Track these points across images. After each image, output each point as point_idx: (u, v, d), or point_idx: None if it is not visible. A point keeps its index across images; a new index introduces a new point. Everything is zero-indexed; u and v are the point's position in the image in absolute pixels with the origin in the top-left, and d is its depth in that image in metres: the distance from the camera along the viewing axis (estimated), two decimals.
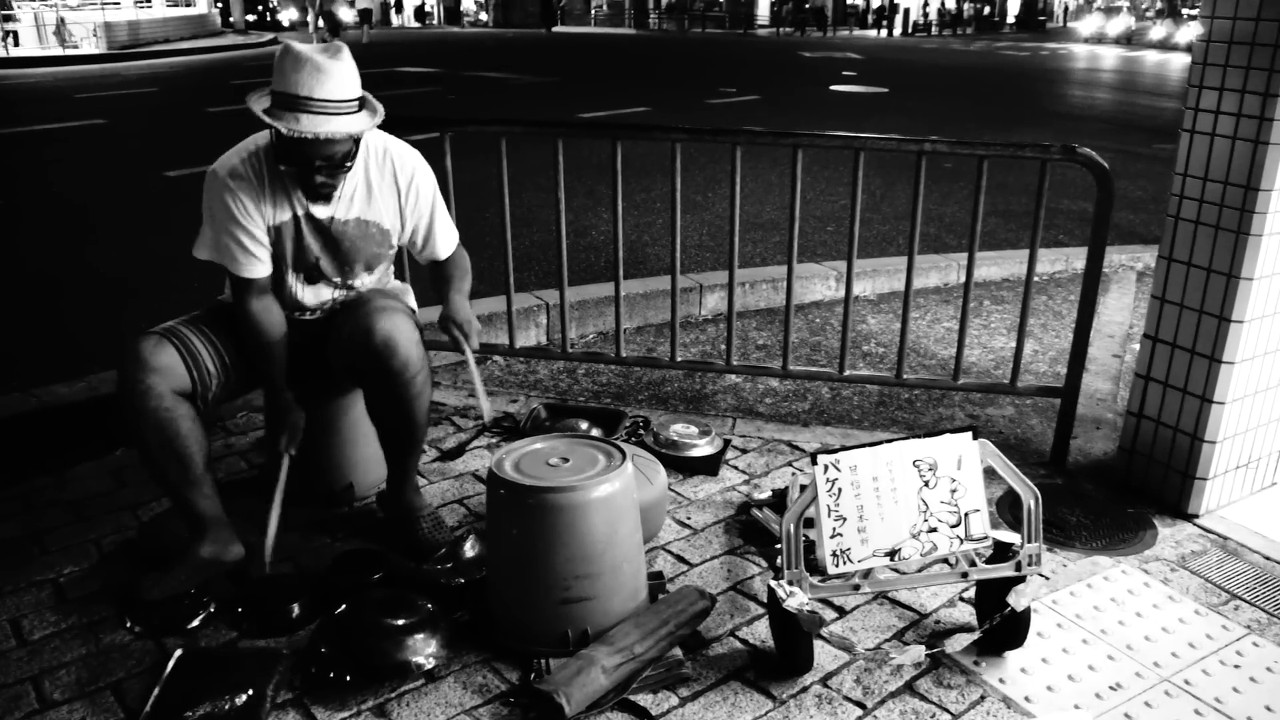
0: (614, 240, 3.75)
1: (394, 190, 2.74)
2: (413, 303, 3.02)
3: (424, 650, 2.28)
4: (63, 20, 23.39)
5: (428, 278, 2.99)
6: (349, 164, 2.56)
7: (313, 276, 2.74)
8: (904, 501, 2.25)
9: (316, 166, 2.50)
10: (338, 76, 2.46)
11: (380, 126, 2.81)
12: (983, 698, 2.25)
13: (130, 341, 2.50)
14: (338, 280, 2.77)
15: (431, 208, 2.83)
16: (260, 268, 2.63)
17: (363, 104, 2.55)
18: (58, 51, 22.77)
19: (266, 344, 2.66)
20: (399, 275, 3.17)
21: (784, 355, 3.72)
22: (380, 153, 2.72)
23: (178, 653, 2.29)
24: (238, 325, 2.66)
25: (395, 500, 2.83)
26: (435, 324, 2.81)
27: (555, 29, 41.46)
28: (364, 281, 2.82)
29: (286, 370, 2.72)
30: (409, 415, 2.67)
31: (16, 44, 23.10)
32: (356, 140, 2.56)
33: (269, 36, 30.64)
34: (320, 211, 2.65)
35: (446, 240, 2.91)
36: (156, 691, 2.17)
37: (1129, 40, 38.25)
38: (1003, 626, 2.31)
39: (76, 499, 3.06)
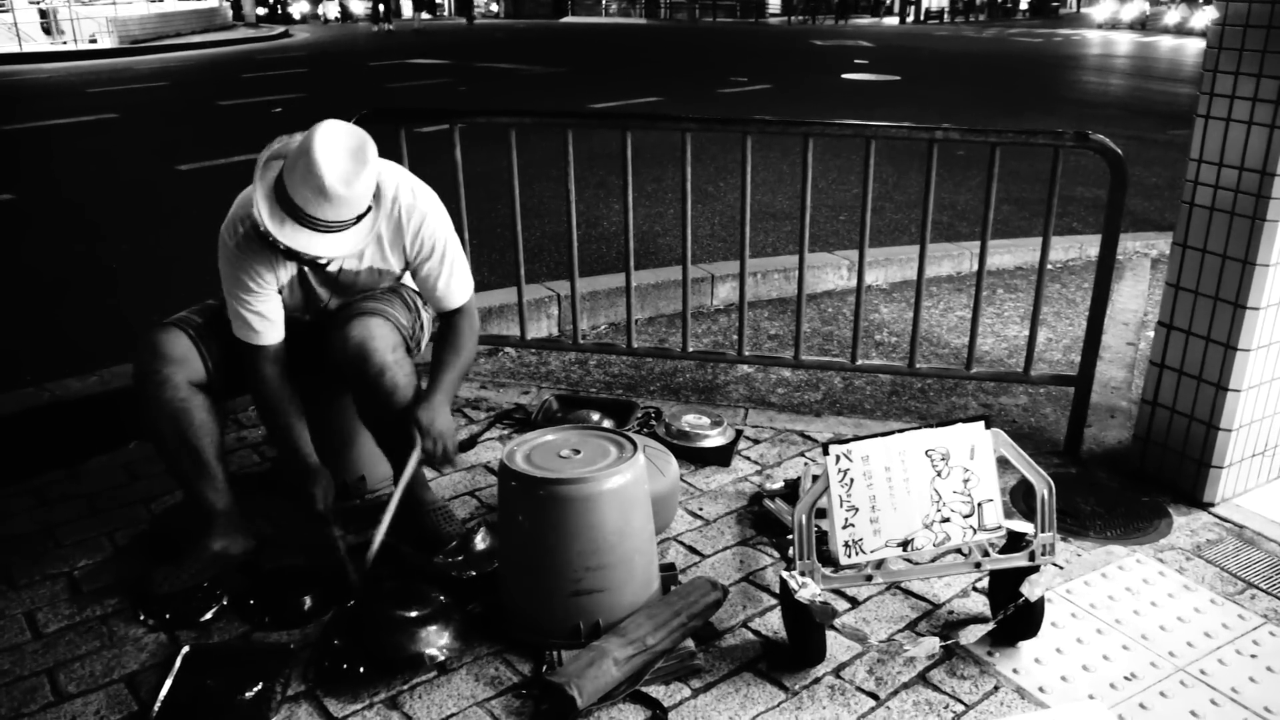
0: (625, 231, 3.74)
1: (399, 238, 2.63)
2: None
3: (436, 642, 2.29)
4: (93, 39, 23.78)
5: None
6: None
7: (322, 315, 2.74)
8: (917, 492, 2.24)
9: (305, 261, 2.46)
10: (345, 204, 2.33)
11: (392, 118, 2.79)
12: (996, 688, 2.24)
13: (146, 332, 2.51)
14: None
15: (442, 256, 2.68)
16: (274, 333, 2.59)
17: (363, 215, 2.41)
18: (70, 46, 22.89)
19: (282, 412, 2.61)
20: None
21: (796, 345, 3.70)
22: (391, 199, 2.56)
23: (185, 649, 2.30)
24: (251, 393, 2.61)
25: (404, 497, 2.82)
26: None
27: (565, 19, 41.42)
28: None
29: (294, 363, 2.71)
30: (394, 418, 2.63)
31: (64, 42, 23.52)
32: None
33: (280, 29, 30.66)
34: (330, 265, 2.61)
35: (459, 291, 2.77)
36: (167, 685, 2.18)
37: (1143, 25, 37.91)
38: (1016, 617, 2.29)
39: (89, 492, 3.07)
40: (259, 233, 2.39)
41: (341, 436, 2.99)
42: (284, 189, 2.32)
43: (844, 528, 2.22)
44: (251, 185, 2.39)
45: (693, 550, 2.78)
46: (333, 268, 2.63)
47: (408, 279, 2.94)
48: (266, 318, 2.57)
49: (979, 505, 2.26)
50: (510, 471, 2.34)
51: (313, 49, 23.69)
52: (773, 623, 2.45)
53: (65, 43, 23.56)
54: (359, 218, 2.39)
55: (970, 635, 2.29)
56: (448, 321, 2.79)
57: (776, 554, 2.75)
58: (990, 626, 2.31)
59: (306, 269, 2.61)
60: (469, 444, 3.37)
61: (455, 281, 2.74)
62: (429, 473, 3.03)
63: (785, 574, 2.24)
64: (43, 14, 23.80)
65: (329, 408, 2.94)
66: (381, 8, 31.65)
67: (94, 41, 23.72)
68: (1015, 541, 2.32)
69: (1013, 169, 7.55)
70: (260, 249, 2.48)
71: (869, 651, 2.33)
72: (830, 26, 37.77)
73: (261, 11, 37.43)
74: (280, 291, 2.60)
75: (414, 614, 2.32)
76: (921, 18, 43.19)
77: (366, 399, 2.63)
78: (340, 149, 2.29)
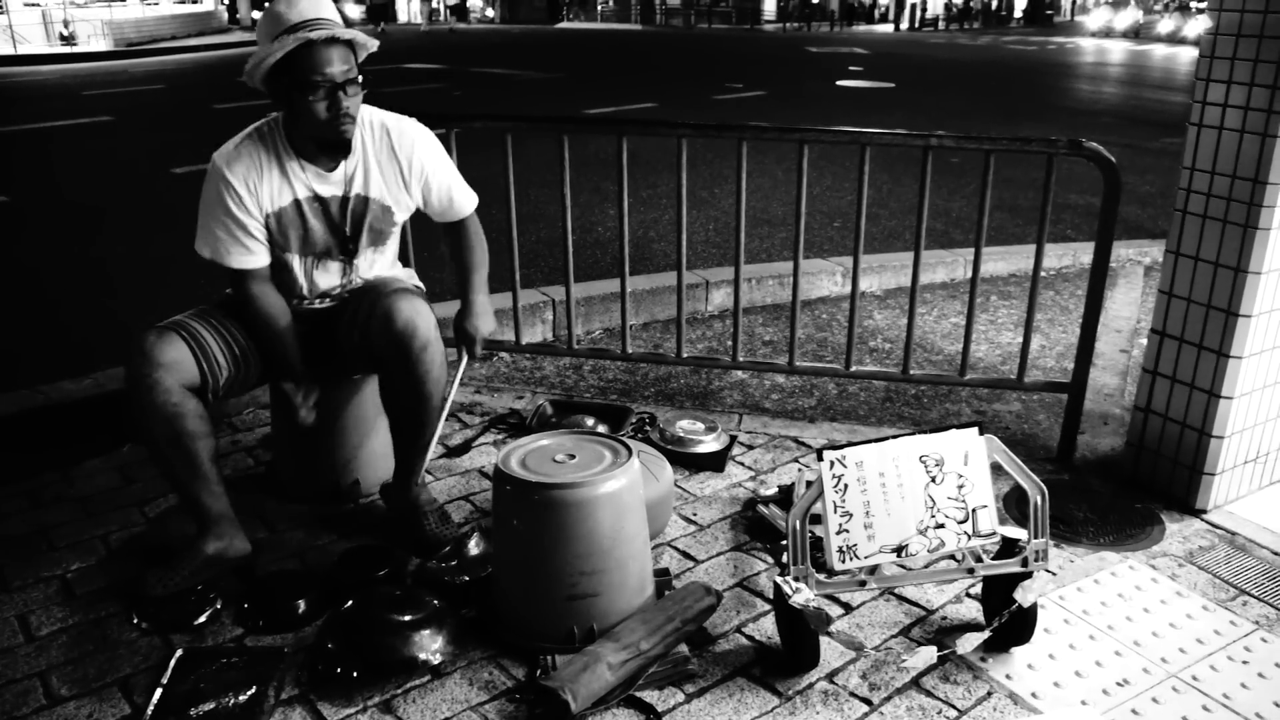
0: (620, 236, 3.74)
1: (394, 163, 2.73)
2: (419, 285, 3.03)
3: (430, 646, 2.29)
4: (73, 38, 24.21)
5: (445, 244, 3.00)
6: (363, 88, 2.56)
7: (319, 259, 2.74)
8: (911, 497, 2.24)
9: (340, 84, 2.49)
10: (332, 6, 2.55)
11: None
12: (989, 694, 2.24)
13: (138, 336, 2.50)
14: (343, 259, 2.77)
15: (445, 171, 2.84)
16: (253, 259, 2.64)
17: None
18: (65, 49, 22.92)
19: (274, 329, 2.67)
20: (402, 260, 3.16)
21: (790, 351, 3.71)
22: (377, 127, 2.72)
23: (179, 652, 2.30)
24: (243, 315, 2.66)
25: (401, 495, 2.83)
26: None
27: (560, 25, 41.55)
28: (369, 260, 2.82)
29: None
30: (425, 401, 2.67)
31: (75, 43, 23.69)
32: (361, 77, 2.57)
33: None
34: (324, 190, 2.66)
35: (464, 199, 2.92)
36: (161, 688, 2.18)
37: (1137, 34, 38.07)
38: (1009, 623, 2.30)
39: (84, 495, 3.06)
40: (251, 155, 2.59)
41: (339, 438, 2.99)
42: (282, 33, 2.46)
43: (838, 533, 2.23)
44: (247, 129, 2.64)
45: (687, 555, 2.79)
46: (327, 192, 2.66)
47: (397, 267, 2.96)
48: (245, 244, 2.61)
49: (973, 511, 2.26)
50: (505, 476, 2.34)
51: None
52: (766, 628, 2.45)
53: (71, 34, 23.70)
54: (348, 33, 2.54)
55: (967, 645, 2.28)
56: (463, 229, 2.96)
57: (770, 559, 2.76)
58: (986, 634, 2.31)
59: (302, 200, 2.64)
60: (463, 448, 3.37)
61: (462, 189, 2.92)
62: (426, 476, 3.03)
63: (779, 579, 2.25)
64: (66, 31, 24.01)
65: (328, 408, 2.93)
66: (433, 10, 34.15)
67: (72, 34, 23.94)
68: (1009, 547, 2.33)
69: (1007, 176, 7.58)
70: (250, 171, 2.58)
71: (863, 657, 2.34)
72: (825, 33, 37.84)
73: (257, 15, 37.47)
74: (269, 224, 2.63)
75: (408, 618, 2.32)
76: (916, 25, 43.32)
77: (402, 378, 2.65)
78: None
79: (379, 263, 2.86)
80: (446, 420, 3.54)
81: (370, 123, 2.71)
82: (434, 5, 37.03)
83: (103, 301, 5.22)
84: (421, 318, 2.61)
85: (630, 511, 2.37)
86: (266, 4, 2.56)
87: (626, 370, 4.27)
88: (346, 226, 2.72)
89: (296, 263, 2.73)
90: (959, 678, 2.29)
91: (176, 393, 2.47)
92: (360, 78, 2.56)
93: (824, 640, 2.29)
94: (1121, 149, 9.11)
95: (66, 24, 24.32)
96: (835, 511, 2.22)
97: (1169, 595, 2.61)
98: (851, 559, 2.24)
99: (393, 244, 2.90)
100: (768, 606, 2.53)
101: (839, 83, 17.21)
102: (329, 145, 2.61)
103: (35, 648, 2.38)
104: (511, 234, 3.79)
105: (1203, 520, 2.98)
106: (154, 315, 2.65)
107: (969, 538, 2.27)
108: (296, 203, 2.65)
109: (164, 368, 2.46)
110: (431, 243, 3.59)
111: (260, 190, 2.60)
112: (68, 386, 3.66)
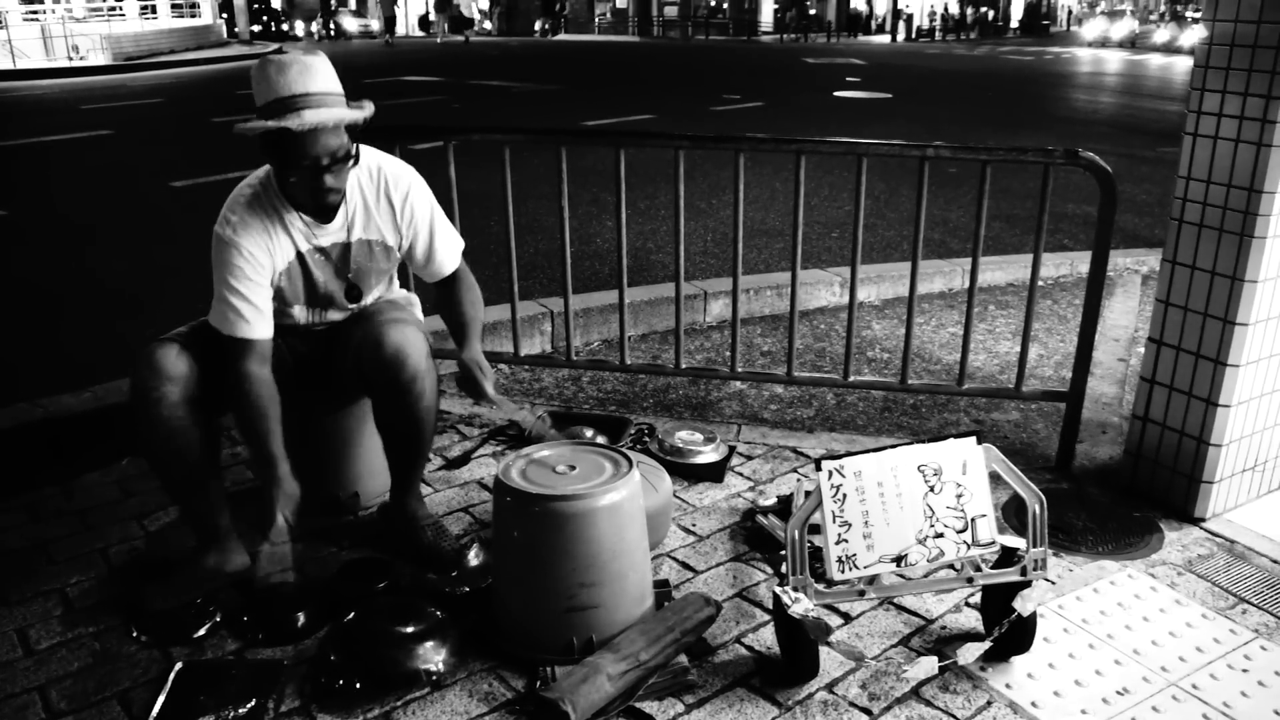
0: (618, 248, 3.75)
1: (389, 206, 2.70)
2: (419, 314, 3.02)
3: (432, 658, 2.29)
4: (83, 56, 24.40)
5: (435, 303, 2.97)
6: (352, 161, 2.52)
7: (324, 307, 2.74)
8: (910, 507, 2.25)
9: (324, 165, 2.44)
10: (324, 71, 2.47)
11: (385, 135, 2.81)
12: (989, 703, 2.24)
13: (144, 348, 2.49)
14: (348, 304, 2.77)
15: (430, 221, 2.79)
16: (264, 327, 2.54)
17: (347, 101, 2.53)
18: (68, 64, 23.00)
19: (263, 417, 2.48)
20: (403, 285, 3.17)
21: (789, 361, 3.71)
22: (374, 170, 2.69)
23: (178, 665, 2.30)
24: (231, 396, 2.52)
25: (398, 510, 2.83)
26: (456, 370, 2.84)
27: (555, 38, 41.75)
28: (373, 297, 2.83)
29: (293, 378, 2.71)
30: (417, 427, 2.67)
31: (82, 58, 23.80)
32: (355, 142, 2.53)
33: (274, 47, 30.52)
34: (324, 240, 2.64)
35: (451, 254, 2.88)
36: (160, 702, 2.18)
37: (1133, 44, 38.24)
38: (1009, 632, 2.30)
39: (83, 509, 3.06)
40: (254, 215, 2.52)
41: (338, 450, 3.00)
42: (273, 102, 2.41)
43: (837, 543, 2.23)
44: (240, 188, 2.56)
45: (686, 566, 2.79)
46: (327, 241, 2.63)
47: (397, 290, 2.96)
48: (257, 308, 2.52)
49: (972, 520, 2.27)
50: (505, 487, 2.35)
51: None
52: (766, 638, 2.45)
53: (83, 58, 23.83)
54: (343, 101, 2.50)
55: (966, 654, 2.28)
56: (456, 283, 2.90)
57: (769, 570, 2.76)
58: (985, 644, 2.30)
59: (304, 252, 2.61)
60: (462, 460, 3.37)
61: (450, 244, 2.87)
62: (424, 488, 3.03)
63: (778, 589, 2.25)
64: (78, 56, 24.15)
65: (328, 420, 2.94)
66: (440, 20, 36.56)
67: (83, 58, 24.02)
68: (1008, 557, 2.32)
69: (1004, 186, 7.60)
70: (255, 232, 2.52)
71: (863, 667, 2.33)
72: (822, 44, 37.95)
73: (255, 29, 37.57)
74: (278, 282, 2.59)
75: (410, 629, 2.32)
76: (913, 35, 43.45)
77: (392, 404, 2.64)
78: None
79: (380, 293, 2.87)
80: (445, 432, 3.56)
81: (366, 165, 2.67)
82: (459, 11, 38.72)
83: (101, 315, 5.22)
84: (411, 345, 2.59)
85: (631, 523, 2.37)
86: (261, 61, 2.48)
87: (625, 381, 4.28)
88: (350, 272, 2.71)
89: (301, 312, 2.71)
90: (959, 687, 2.29)
91: (182, 406, 2.46)
92: (351, 149, 2.50)
93: (823, 650, 2.28)
94: (1118, 158, 9.14)
95: (76, 48, 24.42)
96: (834, 521, 2.22)
97: (1168, 604, 2.61)
98: (851, 569, 2.24)
99: (391, 277, 2.90)
100: (767, 617, 2.53)
101: (836, 93, 17.26)
102: (311, 211, 2.58)
103: (34, 661, 2.38)
104: (510, 246, 3.80)
105: (1201, 528, 2.98)
106: (153, 329, 2.65)
107: (968, 547, 2.27)
108: (300, 255, 2.62)
109: (170, 380, 2.45)
110: None
111: (271, 245, 2.55)
112: (67, 400, 3.66)
